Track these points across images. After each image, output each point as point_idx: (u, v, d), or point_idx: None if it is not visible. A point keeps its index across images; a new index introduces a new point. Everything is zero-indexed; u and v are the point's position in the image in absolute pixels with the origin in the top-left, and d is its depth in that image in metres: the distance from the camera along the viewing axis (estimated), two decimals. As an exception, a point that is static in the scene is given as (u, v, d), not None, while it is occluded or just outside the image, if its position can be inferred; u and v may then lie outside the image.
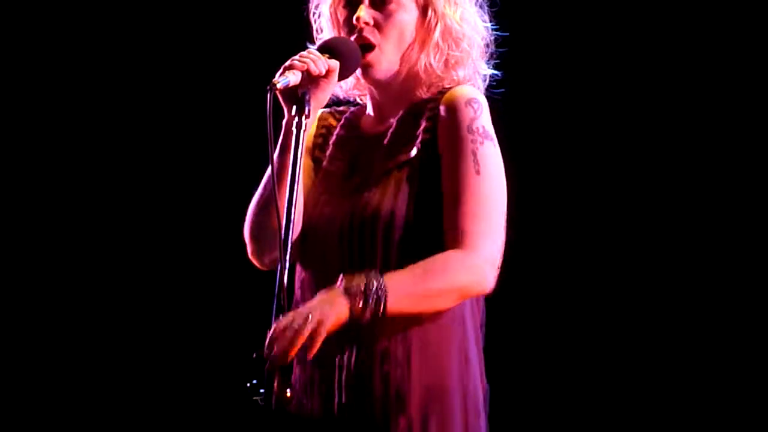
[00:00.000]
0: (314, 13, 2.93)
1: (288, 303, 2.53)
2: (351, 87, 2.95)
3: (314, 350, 2.54)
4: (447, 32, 2.83)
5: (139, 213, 4.95)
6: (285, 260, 2.50)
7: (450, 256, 2.68)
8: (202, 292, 4.88)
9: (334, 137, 2.93)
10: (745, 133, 4.51)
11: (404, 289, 2.64)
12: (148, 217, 4.95)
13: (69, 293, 4.95)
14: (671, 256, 4.55)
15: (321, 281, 2.75)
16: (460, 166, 2.72)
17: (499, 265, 2.72)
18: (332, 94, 2.86)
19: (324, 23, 2.91)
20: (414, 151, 2.78)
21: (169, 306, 4.93)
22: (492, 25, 2.91)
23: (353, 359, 2.73)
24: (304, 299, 2.79)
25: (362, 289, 2.60)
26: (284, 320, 2.53)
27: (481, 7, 2.91)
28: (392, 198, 2.75)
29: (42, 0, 4.90)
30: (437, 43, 2.83)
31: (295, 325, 2.52)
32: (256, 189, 2.85)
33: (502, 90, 2.91)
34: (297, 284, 2.84)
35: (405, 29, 2.82)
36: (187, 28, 4.90)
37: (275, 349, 2.50)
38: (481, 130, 2.75)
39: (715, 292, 4.52)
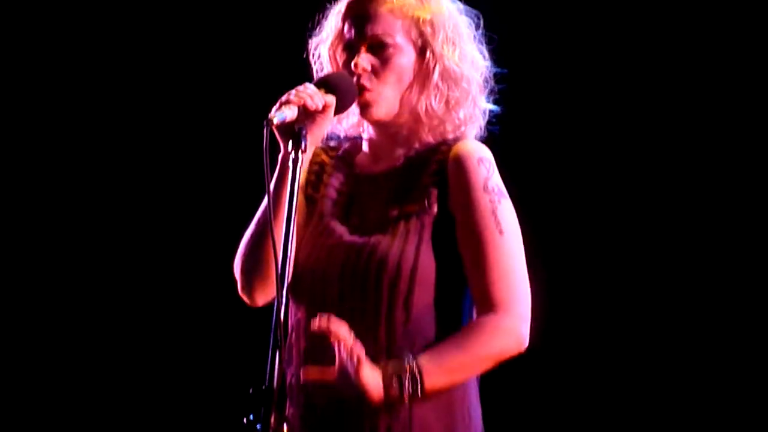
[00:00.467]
0: (313, 54, 2.93)
1: (285, 338, 2.50)
2: (349, 126, 2.94)
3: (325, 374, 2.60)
4: (446, 73, 2.83)
5: (135, 249, 4.96)
6: (282, 295, 2.48)
7: (484, 323, 2.70)
8: (197, 326, 4.87)
9: (328, 176, 2.91)
10: (744, 135, 4.52)
11: (440, 365, 2.65)
12: (144, 253, 4.95)
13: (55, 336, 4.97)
14: (665, 277, 4.57)
15: (307, 326, 2.72)
16: (482, 228, 2.73)
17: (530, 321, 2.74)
18: (332, 132, 2.88)
19: (322, 64, 2.91)
20: (423, 204, 2.77)
21: (165, 341, 4.92)
22: (491, 62, 2.91)
23: (353, 411, 2.72)
24: (299, 342, 2.79)
25: (397, 373, 2.62)
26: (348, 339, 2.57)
27: (480, 42, 2.91)
28: (400, 248, 2.73)
29: (42, 6, 4.93)
30: (437, 85, 2.82)
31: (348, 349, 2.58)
32: (248, 225, 2.84)
33: (500, 125, 2.92)
34: (291, 325, 2.82)
35: (403, 73, 2.82)
36: (183, 63, 4.91)
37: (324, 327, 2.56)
38: (496, 189, 2.76)
39: (718, 302, 4.52)
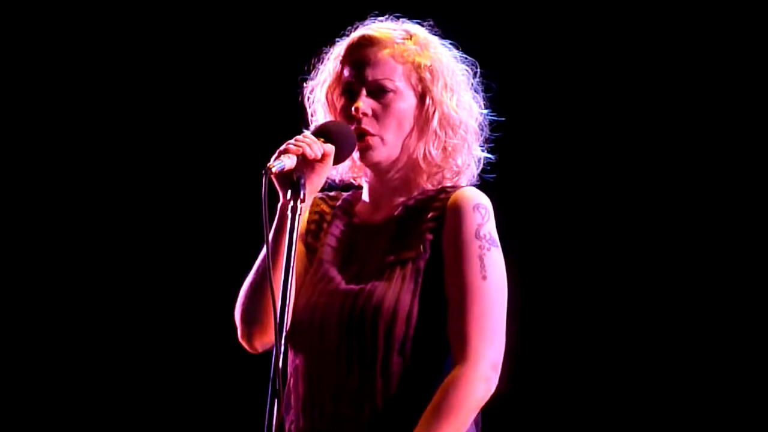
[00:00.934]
0: (308, 98, 2.93)
1: (283, 387, 2.49)
2: (346, 170, 2.93)
3: None
4: (444, 119, 2.83)
5: (138, 295, 4.95)
6: (281, 344, 2.48)
7: (459, 381, 2.68)
8: (197, 376, 4.86)
9: (327, 224, 2.90)
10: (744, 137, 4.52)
11: None
12: (147, 300, 4.94)
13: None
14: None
15: (315, 370, 2.76)
16: (467, 271, 2.72)
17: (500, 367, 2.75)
18: (327, 177, 2.83)
19: (319, 108, 2.90)
20: (419, 250, 2.77)
21: (167, 389, 4.91)
22: (487, 110, 2.92)
23: None
24: (297, 388, 2.79)
25: None
26: None
27: (476, 91, 2.92)
28: (396, 293, 2.73)
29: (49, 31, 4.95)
30: (435, 131, 2.82)
31: None
32: (248, 273, 2.83)
33: (495, 174, 2.93)
34: (290, 371, 2.82)
35: (404, 118, 2.82)
36: (186, 109, 4.92)
37: None
38: (488, 237, 2.75)
39: (720, 305, 4.53)
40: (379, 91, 2.81)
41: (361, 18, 2.91)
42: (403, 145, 2.83)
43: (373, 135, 2.80)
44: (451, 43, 2.92)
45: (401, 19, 2.91)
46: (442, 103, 2.83)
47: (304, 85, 2.94)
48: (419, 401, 2.71)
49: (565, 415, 4.63)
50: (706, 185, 4.54)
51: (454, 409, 2.67)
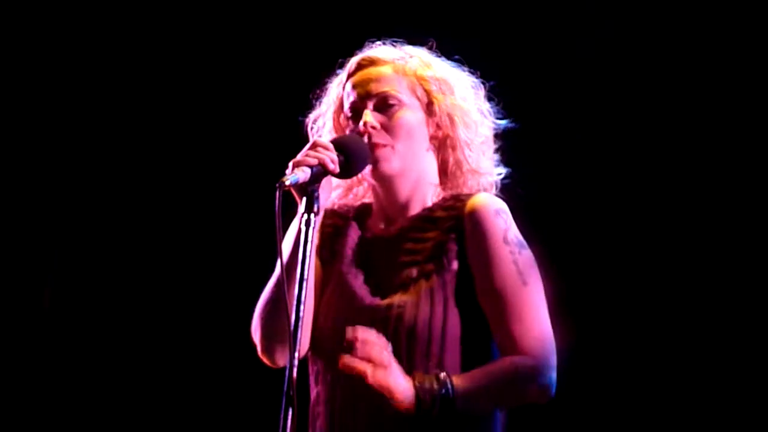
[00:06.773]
0: (312, 128, 2.92)
1: (297, 399, 2.45)
2: (342, 194, 2.93)
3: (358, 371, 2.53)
4: (454, 130, 2.83)
5: (153, 316, 4.96)
6: (294, 356, 2.44)
7: (519, 364, 2.66)
8: (213, 389, 4.86)
9: (341, 237, 2.87)
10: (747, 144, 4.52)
11: (474, 394, 2.61)
12: (163, 320, 4.95)
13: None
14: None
15: (348, 393, 2.71)
16: (505, 281, 2.71)
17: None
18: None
19: (326, 134, 2.88)
20: (442, 262, 2.74)
21: (183, 403, 4.92)
22: (496, 117, 2.93)
23: None
24: (326, 408, 2.76)
25: (433, 388, 2.58)
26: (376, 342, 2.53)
27: (485, 102, 2.92)
28: (428, 309, 2.70)
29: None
30: (445, 141, 2.83)
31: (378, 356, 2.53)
32: (263, 287, 2.80)
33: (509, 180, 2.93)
34: (318, 391, 2.80)
35: (412, 128, 2.81)
36: (197, 127, 4.97)
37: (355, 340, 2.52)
38: (516, 240, 2.75)
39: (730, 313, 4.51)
40: (384, 104, 2.82)
41: (359, 46, 2.93)
42: (415, 157, 2.82)
43: (384, 146, 2.78)
44: (455, 61, 2.94)
45: (398, 44, 2.92)
46: (450, 114, 2.84)
47: (306, 118, 2.94)
48: (459, 422, 2.67)
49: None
50: (710, 186, 4.57)
51: (505, 380, 2.64)
